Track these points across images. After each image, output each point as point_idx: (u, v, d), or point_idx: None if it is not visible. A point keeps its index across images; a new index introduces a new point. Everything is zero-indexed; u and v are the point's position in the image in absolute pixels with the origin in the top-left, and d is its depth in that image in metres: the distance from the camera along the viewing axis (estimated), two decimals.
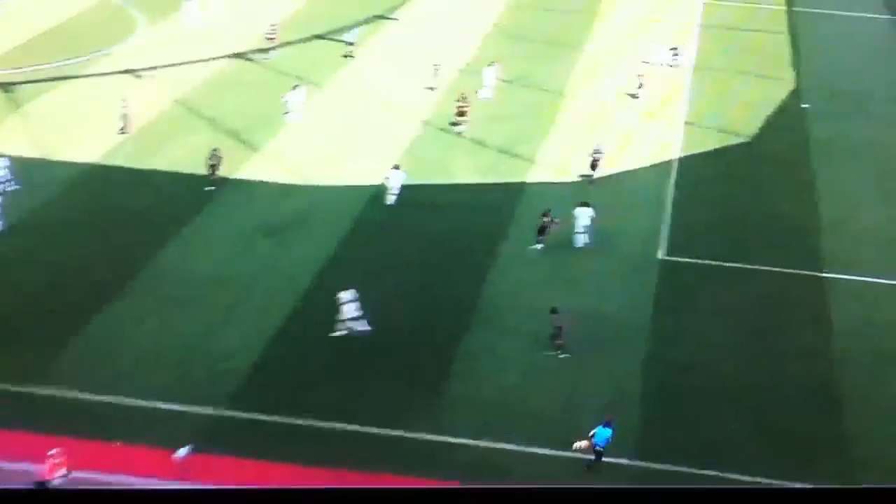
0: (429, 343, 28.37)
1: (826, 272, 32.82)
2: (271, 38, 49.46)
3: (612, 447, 23.74)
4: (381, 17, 54.96)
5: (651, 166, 39.89)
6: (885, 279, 32.76)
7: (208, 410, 25.37)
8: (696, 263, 33.23)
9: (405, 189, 35.74)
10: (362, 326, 28.27)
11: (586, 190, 36.51)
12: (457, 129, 41.52)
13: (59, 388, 25.70)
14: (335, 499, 6.21)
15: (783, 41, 54.68)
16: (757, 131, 43.39)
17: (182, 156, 38.04)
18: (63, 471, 21.90)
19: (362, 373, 26.98)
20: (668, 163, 40.16)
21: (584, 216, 33.23)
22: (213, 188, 35.97)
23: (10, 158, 35.66)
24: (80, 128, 40.24)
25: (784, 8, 60.07)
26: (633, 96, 45.95)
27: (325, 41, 50.82)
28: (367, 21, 53.28)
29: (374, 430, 24.96)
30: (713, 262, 33.21)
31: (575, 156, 39.64)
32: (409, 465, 23.61)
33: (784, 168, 40.42)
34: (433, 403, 25.98)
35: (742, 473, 23.61)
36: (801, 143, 42.50)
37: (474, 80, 45.28)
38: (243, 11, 54.41)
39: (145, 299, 29.71)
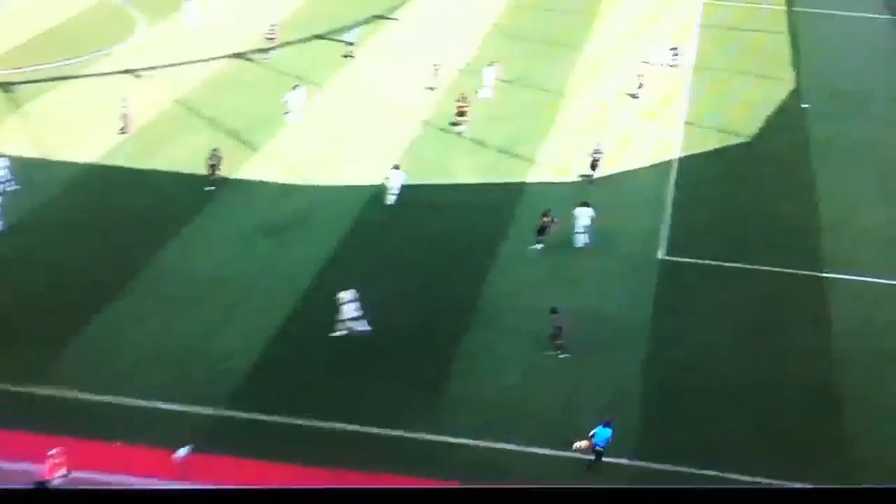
0: (429, 343, 28.37)
1: (826, 272, 32.82)
2: (271, 38, 49.44)
3: (612, 447, 23.74)
4: (381, 17, 54.94)
5: (651, 166, 39.88)
6: (885, 279, 32.76)
7: (208, 410, 25.37)
8: (696, 263, 33.23)
9: (405, 189, 35.74)
10: (362, 326, 28.26)
11: (586, 190, 36.50)
12: (457, 129, 41.51)
13: (59, 388, 25.70)
14: (335, 499, 6.21)
15: (783, 41, 54.66)
16: (757, 131, 43.38)
17: (182, 156, 38.04)
18: (63, 471, 21.89)
19: (362, 373, 26.98)
20: (668, 163, 40.16)
21: (584, 216, 33.23)
22: (213, 188, 35.98)
23: (10, 158, 35.67)
24: (80, 128, 40.23)
25: (784, 8, 60.03)
26: (633, 96, 45.94)
27: (325, 41, 50.81)
28: (367, 21, 53.27)
29: (374, 430, 24.96)
30: (713, 262, 33.20)
31: (575, 156, 39.63)
32: (409, 465, 23.61)
33: (784, 168, 40.42)
34: (433, 403, 25.97)
35: (742, 473, 23.61)
36: (801, 143, 42.49)
37: (474, 80, 45.27)
38: (243, 11, 54.40)
39: (145, 299, 29.71)
